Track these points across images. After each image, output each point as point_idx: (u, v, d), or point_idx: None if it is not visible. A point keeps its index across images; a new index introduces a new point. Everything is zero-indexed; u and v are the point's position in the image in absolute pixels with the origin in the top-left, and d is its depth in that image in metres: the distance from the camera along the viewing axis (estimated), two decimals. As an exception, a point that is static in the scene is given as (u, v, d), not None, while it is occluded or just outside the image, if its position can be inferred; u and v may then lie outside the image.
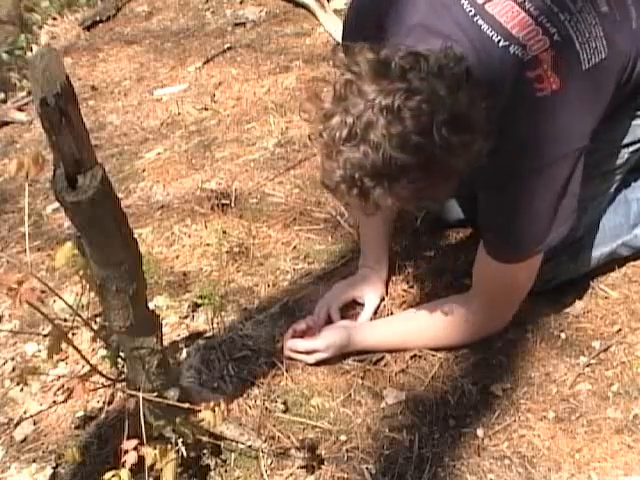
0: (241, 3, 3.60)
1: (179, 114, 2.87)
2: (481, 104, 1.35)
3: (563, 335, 1.76)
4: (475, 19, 1.50)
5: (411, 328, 1.77)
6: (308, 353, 1.74)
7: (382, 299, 1.89)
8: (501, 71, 1.46)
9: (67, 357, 1.83)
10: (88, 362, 1.44)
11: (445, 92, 1.30)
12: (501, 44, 1.48)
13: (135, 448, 1.34)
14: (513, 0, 1.52)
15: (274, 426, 1.63)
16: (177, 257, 2.13)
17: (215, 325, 1.88)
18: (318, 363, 1.75)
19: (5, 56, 3.82)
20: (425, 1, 1.54)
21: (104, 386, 1.56)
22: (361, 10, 1.67)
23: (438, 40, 1.43)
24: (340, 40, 1.73)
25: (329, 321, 1.83)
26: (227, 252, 2.10)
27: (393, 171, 1.31)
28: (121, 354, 1.48)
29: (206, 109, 2.85)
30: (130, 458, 1.33)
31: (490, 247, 1.62)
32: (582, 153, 1.52)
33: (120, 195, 2.34)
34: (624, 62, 1.57)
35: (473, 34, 1.48)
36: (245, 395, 1.71)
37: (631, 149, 1.75)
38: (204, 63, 3.18)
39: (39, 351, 1.92)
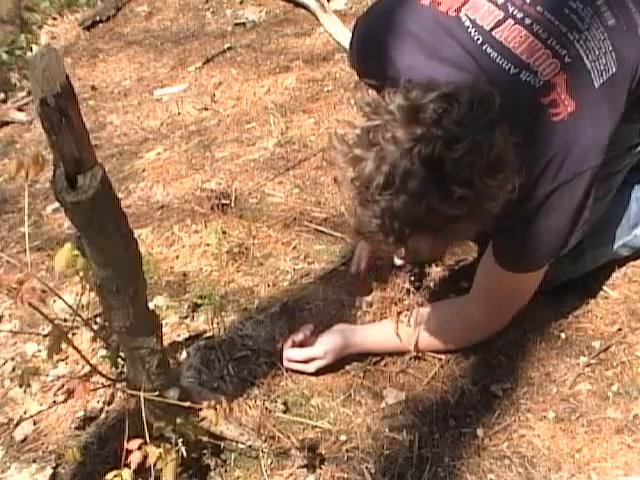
0: (241, 3, 3.59)
1: (179, 114, 2.86)
2: (510, 140, 1.31)
3: (563, 335, 1.76)
4: (484, 47, 1.46)
5: (409, 330, 1.75)
6: (307, 362, 1.73)
7: None
8: (515, 100, 1.41)
9: (67, 357, 1.84)
10: (88, 362, 1.44)
11: (482, 136, 1.26)
12: (512, 71, 1.44)
13: (139, 448, 1.34)
14: (520, 24, 1.47)
15: (274, 426, 1.63)
16: (177, 257, 2.13)
17: (215, 325, 1.88)
18: (319, 371, 1.73)
19: (5, 56, 3.81)
20: (431, 30, 1.49)
21: (104, 386, 1.56)
22: (366, 45, 1.62)
23: (449, 69, 1.41)
24: (356, 73, 1.70)
25: (325, 329, 1.79)
26: (227, 252, 2.10)
27: (436, 222, 1.28)
28: (121, 354, 1.48)
29: (206, 109, 2.85)
30: (135, 458, 1.32)
31: (501, 257, 1.58)
32: (598, 169, 1.50)
33: (120, 195, 2.34)
34: (632, 71, 1.54)
35: (484, 62, 1.45)
36: (245, 395, 1.71)
37: (635, 151, 1.75)
38: (204, 63, 3.17)
39: (39, 351, 1.92)
